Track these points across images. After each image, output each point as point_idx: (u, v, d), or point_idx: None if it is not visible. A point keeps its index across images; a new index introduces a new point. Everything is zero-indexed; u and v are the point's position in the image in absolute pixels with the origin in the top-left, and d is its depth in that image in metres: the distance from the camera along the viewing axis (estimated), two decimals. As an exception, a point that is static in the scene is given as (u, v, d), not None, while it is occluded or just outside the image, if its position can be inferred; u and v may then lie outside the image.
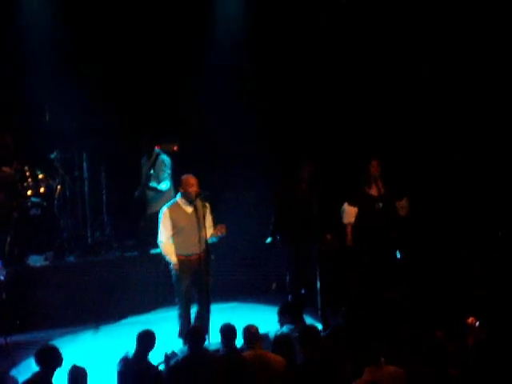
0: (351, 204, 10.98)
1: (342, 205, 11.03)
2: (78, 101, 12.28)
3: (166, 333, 9.60)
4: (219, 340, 8.11)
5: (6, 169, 11.41)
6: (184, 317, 9.70)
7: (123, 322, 11.15)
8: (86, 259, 11.88)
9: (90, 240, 12.38)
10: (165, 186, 11.76)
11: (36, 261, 11.45)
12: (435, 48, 12.20)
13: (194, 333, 8.06)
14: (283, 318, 8.81)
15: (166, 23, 12.87)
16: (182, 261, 9.62)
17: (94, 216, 12.54)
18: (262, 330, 8.08)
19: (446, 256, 11.32)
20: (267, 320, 9.88)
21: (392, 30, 12.30)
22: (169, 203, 9.89)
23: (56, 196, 11.91)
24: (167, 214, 9.65)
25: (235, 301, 11.76)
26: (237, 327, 8.02)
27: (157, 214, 10.01)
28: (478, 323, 7.79)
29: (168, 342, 9.30)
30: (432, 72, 12.23)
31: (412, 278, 10.97)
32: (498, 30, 11.77)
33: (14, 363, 9.46)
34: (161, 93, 13.05)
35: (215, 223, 9.79)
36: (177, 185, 10.47)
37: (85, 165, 12.35)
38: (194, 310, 9.80)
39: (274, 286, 12.00)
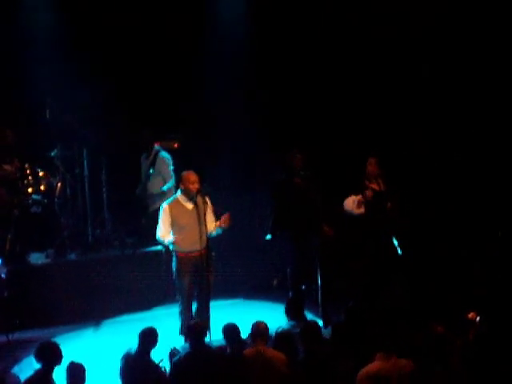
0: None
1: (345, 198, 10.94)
2: (79, 98, 12.29)
3: (168, 330, 9.59)
4: (221, 337, 8.12)
5: (6, 166, 11.39)
6: (185, 313, 9.70)
7: (124, 318, 11.15)
8: (87, 257, 11.87)
9: (90, 237, 12.38)
10: (170, 183, 11.78)
11: (37, 258, 11.47)
12: (436, 47, 12.22)
13: (194, 329, 8.06)
14: (286, 315, 8.84)
15: (167, 20, 12.88)
16: (183, 257, 9.62)
17: (94, 213, 12.54)
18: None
19: (446, 254, 11.33)
20: (269, 316, 9.86)
21: (392, 29, 12.30)
22: (169, 199, 9.90)
23: (57, 194, 11.89)
24: (167, 211, 9.66)
25: (237, 297, 11.76)
26: (238, 324, 8.04)
27: (158, 211, 10.02)
28: (478, 318, 7.80)
29: (169, 338, 9.30)
30: (432, 71, 12.26)
31: (413, 274, 10.97)
32: (498, 29, 11.79)
33: (16, 361, 9.47)
34: (162, 90, 13.05)
35: (218, 215, 9.79)
36: (177, 181, 10.47)
37: (85, 162, 12.34)
38: (194, 307, 9.80)
39: (275, 282, 12.02)
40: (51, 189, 11.79)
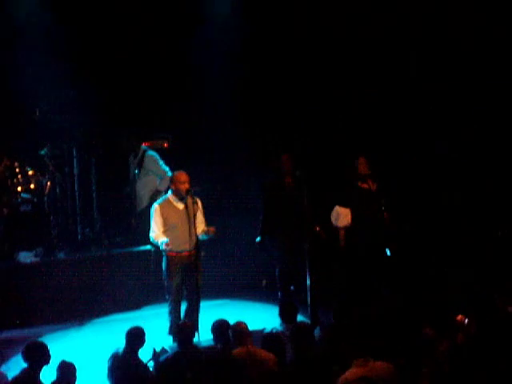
0: (343, 205, 10.88)
1: (334, 206, 10.94)
2: (68, 97, 12.28)
3: (157, 329, 9.61)
4: (210, 337, 8.12)
5: (-5, 165, 11.40)
6: (174, 313, 9.69)
7: (113, 318, 11.13)
8: (76, 255, 11.84)
9: (79, 236, 12.37)
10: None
11: (26, 257, 11.43)
12: (429, 44, 12.25)
13: (182, 329, 8.07)
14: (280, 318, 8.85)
15: (157, 20, 12.88)
16: (173, 257, 9.61)
17: (83, 212, 12.53)
18: (252, 327, 8.07)
19: (436, 255, 11.36)
20: (257, 317, 9.92)
21: (381, 26, 12.33)
22: (160, 200, 9.90)
23: (46, 192, 11.86)
24: (158, 211, 9.65)
25: (225, 298, 11.76)
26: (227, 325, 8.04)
27: (147, 209, 10.00)
28: (466, 320, 7.82)
29: (158, 338, 9.30)
30: (420, 70, 12.29)
31: (402, 275, 10.99)
32: (497, 29, 11.83)
33: (4, 359, 9.43)
34: (150, 89, 13.04)
35: (206, 220, 9.80)
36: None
37: (75, 161, 12.34)
38: (183, 307, 9.80)
39: (264, 282, 12.02)
40: (41, 187, 11.78)
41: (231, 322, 8.04)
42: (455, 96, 12.11)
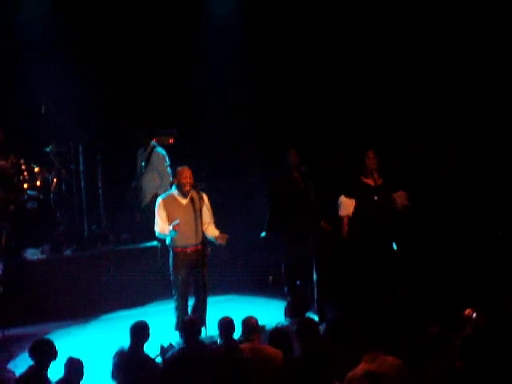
0: (348, 196, 10.90)
1: (339, 196, 10.96)
2: (74, 94, 12.29)
3: (163, 325, 9.61)
4: (216, 333, 8.11)
5: (1, 162, 11.39)
6: (181, 309, 9.66)
7: (120, 314, 11.13)
8: (83, 252, 11.86)
9: (86, 233, 12.38)
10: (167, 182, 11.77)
11: (32, 254, 11.45)
12: (430, 42, 12.24)
13: (189, 325, 8.05)
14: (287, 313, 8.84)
15: (161, 19, 12.89)
16: (179, 253, 9.59)
17: (90, 209, 12.53)
18: (259, 322, 8.06)
19: (442, 251, 11.34)
20: (264, 312, 9.89)
21: (384, 25, 12.32)
22: (164, 194, 9.88)
23: (52, 189, 11.89)
24: (162, 205, 9.63)
25: (232, 293, 11.75)
26: (234, 320, 8.02)
27: (152, 202, 9.99)
28: (474, 315, 7.79)
29: (165, 334, 9.30)
30: (419, 70, 12.29)
31: (409, 270, 10.96)
32: (497, 29, 11.81)
33: (11, 356, 9.45)
34: (157, 86, 13.05)
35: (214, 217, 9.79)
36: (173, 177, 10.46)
37: (81, 158, 12.34)
38: (190, 303, 9.79)
39: (270, 278, 11.99)
40: (47, 184, 11.80)
41: (238, 317, 8.03)
42: (455, 96, 12.10)
